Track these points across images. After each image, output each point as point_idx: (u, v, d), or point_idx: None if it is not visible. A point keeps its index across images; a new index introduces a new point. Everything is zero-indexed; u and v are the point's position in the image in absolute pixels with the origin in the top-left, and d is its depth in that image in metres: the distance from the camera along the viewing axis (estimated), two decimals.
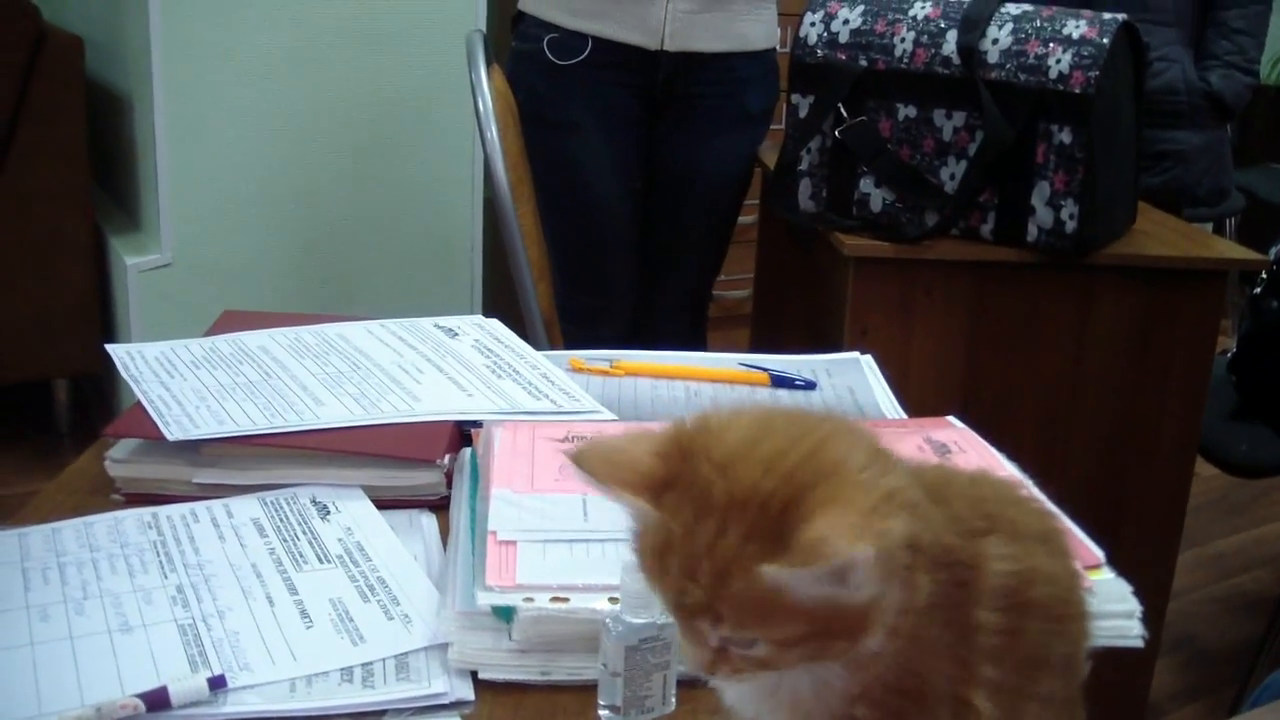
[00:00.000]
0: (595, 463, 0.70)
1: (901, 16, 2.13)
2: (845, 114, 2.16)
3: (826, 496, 0.65)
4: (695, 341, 2.75)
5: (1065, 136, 2.02)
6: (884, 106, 2.14)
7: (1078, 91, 1.99)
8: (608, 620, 0.88)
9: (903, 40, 2.12)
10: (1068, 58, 2.00)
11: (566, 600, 0.92)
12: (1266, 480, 2.94)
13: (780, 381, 1.46)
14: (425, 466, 1.16)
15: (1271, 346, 2.39)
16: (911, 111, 2.13)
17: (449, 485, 1.17)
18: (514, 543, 0.98)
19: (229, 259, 3.28)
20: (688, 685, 0.91)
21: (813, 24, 2.19)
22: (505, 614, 0.92)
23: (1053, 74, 2.01)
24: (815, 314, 2.54)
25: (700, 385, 1.45)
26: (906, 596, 0.68)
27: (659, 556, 0.68)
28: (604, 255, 2.55)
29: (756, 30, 2.51)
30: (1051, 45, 2.02)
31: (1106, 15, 2.04)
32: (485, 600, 0.92)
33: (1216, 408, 2.44)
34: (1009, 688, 0.74)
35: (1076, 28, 2.03)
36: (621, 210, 2.53)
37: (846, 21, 2.16)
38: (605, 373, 1.47)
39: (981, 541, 0.74)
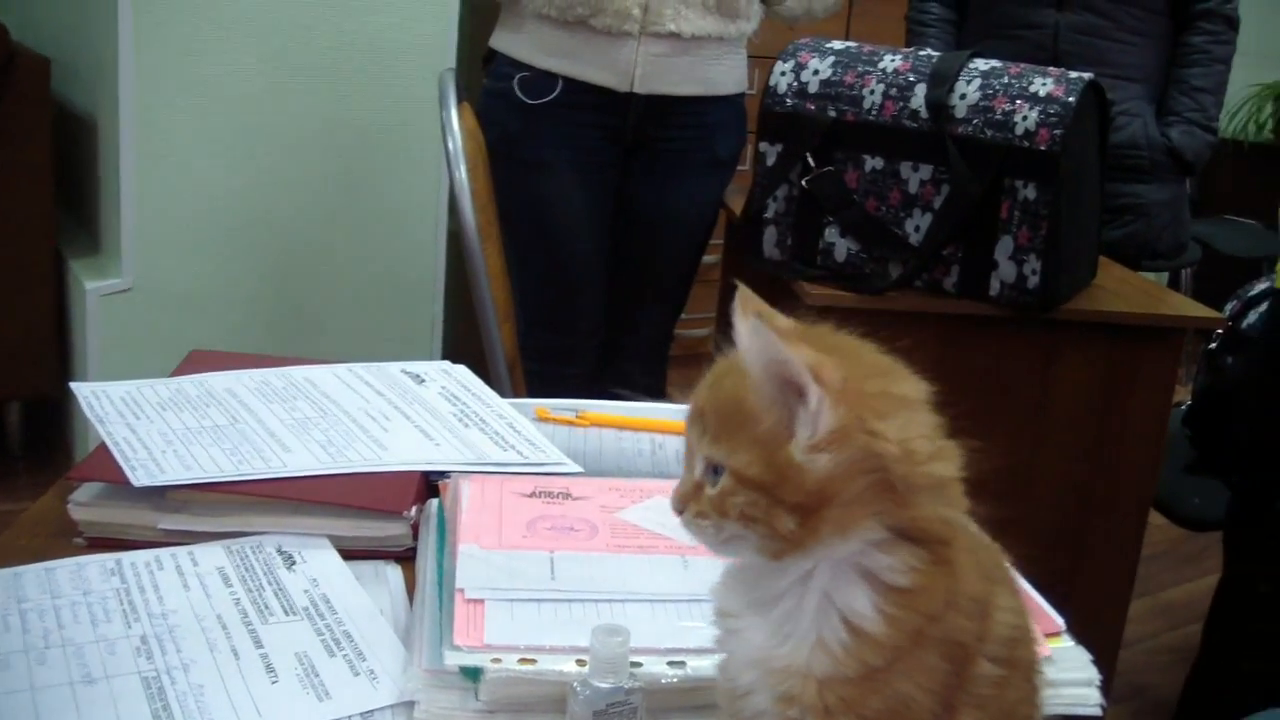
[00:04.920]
0: (757, 303, 0.73)
1: (871, 69, 2.15)
2: (813, 164, 2.18)
3: (845, 368, 0.69)
4: (656, 381, 2.76)
5: (1030, 193, 2.04)
6: (851, 157, 2.16)
7: (1044, 149, 2.02)
8: (575, 684, 0.88)
9: (872, 92, 2.14)
10: (1034, 115, 2.03)
11: (534, 662, 0.92)
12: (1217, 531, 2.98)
13: None
14: (392, 518, 1.16)
15: (1226, 403, 2.42)
16: (879, 163, 2.15)
17: (415, 537, 1.17)
18: (482, 601, 0.98)
19: (190, 285, 3.26)
20: None
21: (783, 73, 2.20)
22: (473, 674, 0.92)
23: (1019, 131, 2.03)
24: None
25: (665, 438, 1.46)
26: (905, 576, 0.70)
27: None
28: (571, 294, 2.56)
29: (727, 75, 2.52)
30: (1019, 102, 2.05)
31: (1073, 73, 2.07)
32: (453, 660, 0.92)
33: (1170, 461, 2.47)
34: None
35: (1044, 85, 2.05)
36: (590, 250, 2.54)
37: (817, 72, 2.18)
38: (571, 423, 1.47)
39: (994, 589, 0.75)
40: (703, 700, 0.94)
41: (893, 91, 2.13)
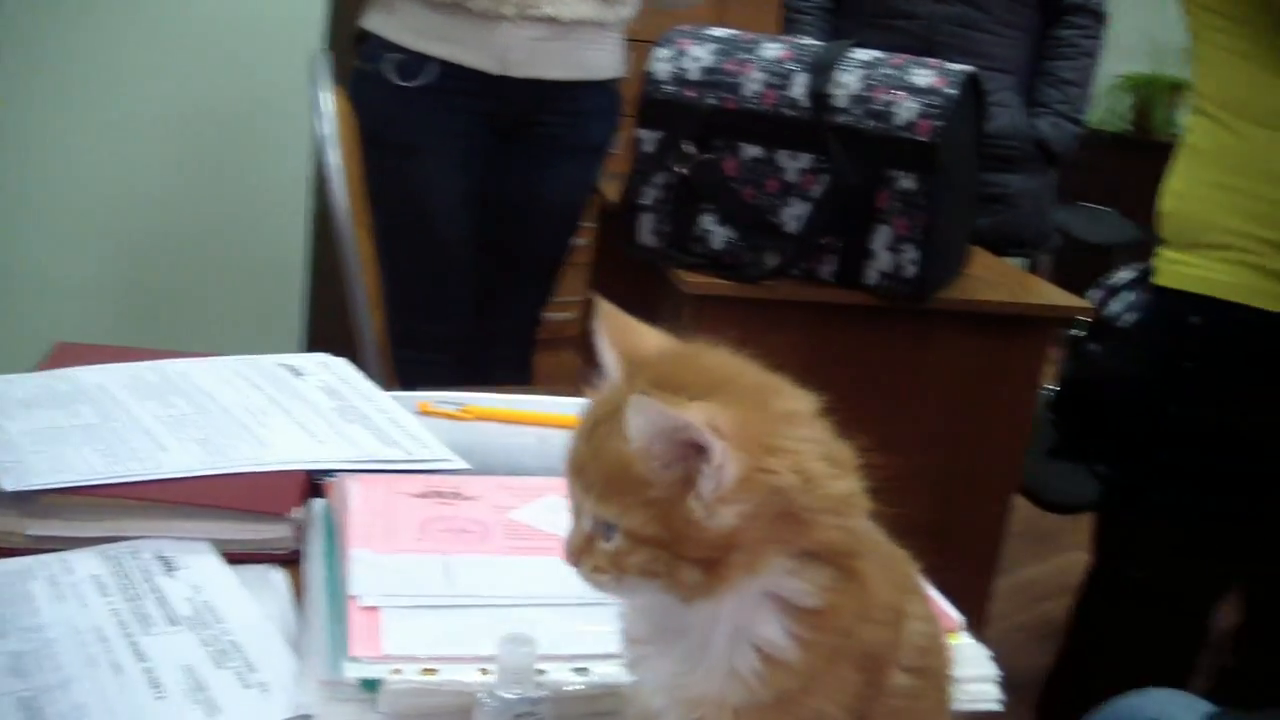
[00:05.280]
0: (613, 321, 0.74)
1: (752, 57, 2.15)
2: (691, 151, 2.16)
3: (733, 405, 0.66)
4: (525, 367, 2.73)
5: (909, 183, 2.06)
6: (730, 145, 2.15)
7: (923, 140, 2.03)
8: (481, 695, 0.86)
9: (752, 80, 2.13)
10: (915, 106, 2.04)
11: (436, 672, 0.90)
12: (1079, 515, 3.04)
13: None
14: (276, 520, 1.12)
15: (1090, 389, 2.46)
16: (758, 151, 2.14)
17: (299, 539, 1.13)
18: (377, 609, 0.95)
19: (49, 273, 3.14)
20: None
21: (663, 60, 2.19)
22: (371, 685, 0.89)
23: (899, 121, 2.05)
24: None
25: (550, 432, 1.43)
26: (815, 598, 0.68)
27: (586, 418, 0.71)
28: (443, 282, 2.52)
29: (603, 60, 2.50)
30: (899, 93, 2.05)
31: (953, 65, 2.09)
32: (352, 672, 0.88)
33: (1034, 445, 2.52)
34: None
35: (924, 77, 2.06)
36: (461, 236, 2.50)
37: (697, 59, 2.16)
38: (454, 417, 1.44)
39: (905, 598, 0.75)
40: (607, 707, 0.92)
41: (773, 80, 2.12)
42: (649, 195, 2.22)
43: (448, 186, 2.45)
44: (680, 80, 2.17)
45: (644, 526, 0.67)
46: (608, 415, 0.69)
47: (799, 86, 2.10)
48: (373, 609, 0.95)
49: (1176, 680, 1.40)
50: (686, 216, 2.20)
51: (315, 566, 1.06)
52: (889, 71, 2.09)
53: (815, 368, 2.49)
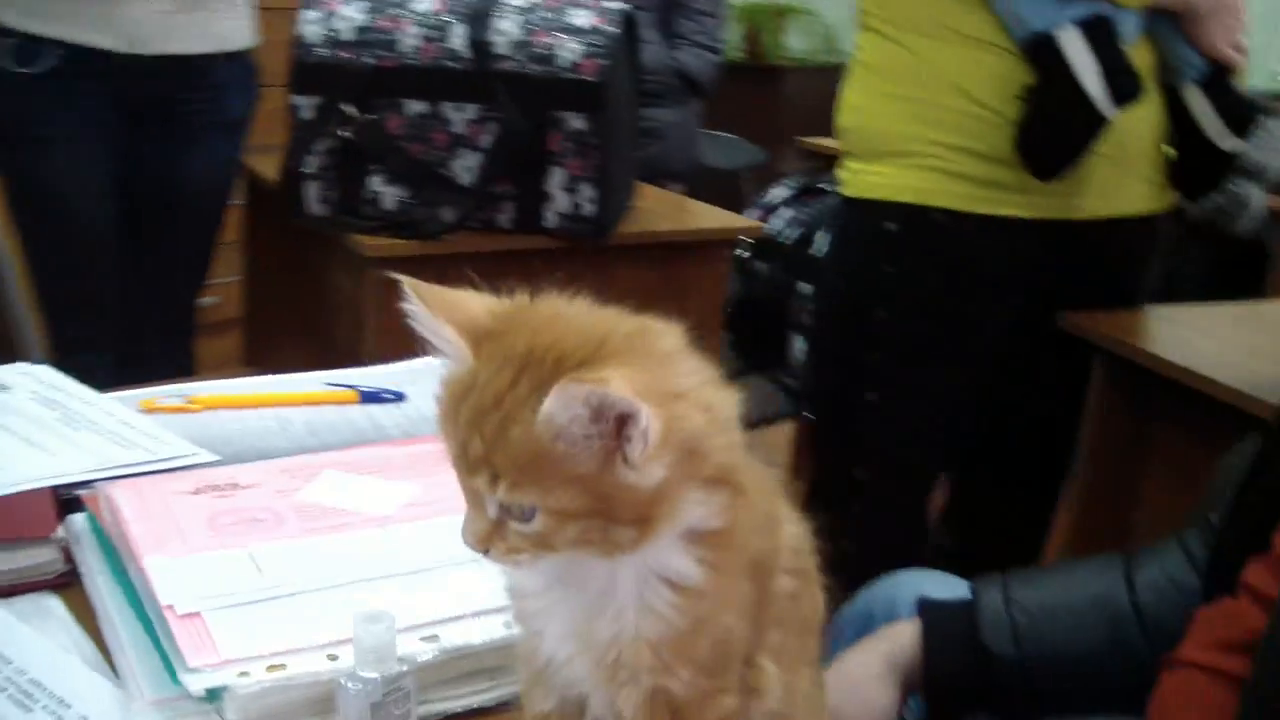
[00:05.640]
0: (432, 297, 0.68)
1: (405, 12, 2.10)
2: (352, 113, 2.10)
3: (625, 361, 0.64)
4: (186, 357, 2.60)
5: (579, 123, 2.06)
6: (392, 104, 2.10)
7: (589, 80, 2.04)
8: (344, 680, 0.81)
9: (409, 35, 2.08)
10: (577, 47, 2.05)
11: (284, 667, 0.84)
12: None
13: (369, 397, 1.41)
14: (39, 544, 1.02)
15: (761, 305, 2.56)
16: (422, 107, 2.10)
17: (67, 560, 1.03)
18: (198, 613, 0.89)
19: None
20: None
21: (312, 22, 2.10)
22: (213, 694, 0.83)
23: (563, 63, 2.05)
24: (325, 320, 2.46)
25: (288, 411, 1.37)
26: (718, 520, 0.68)
27: (456, 404, 0.66)
28: (90, 280, 2.35)
29: (235, 30, 2.38)
30: (560, 35, 2.06)
31: (609, 4, 2.11)
32: (196, 684, 0.82)
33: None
34: (790, 651, 0.76)
35: (583, 17, 2.08)
36: (104, 229, 2.33)
37: (348, 18, 2.09)
38: (182, 409, 1.35)
39: (776, 503, 0.75)
40: (457, 671, 0.89)
41: (430, 33, 2.08)
42: (312, 163, 2.14)
43: (84, 177, 2.28)
44: (333, 42, 2.09)
45: (572, 502, 0.64)
46: (490, 402, 0.64)
47: (458, 38, 2.07)
48: (194, 615, 0.88)
49: (913, 564, 1.48)
50: (354, 180, 2.14)
51: (101, 584, 0.97)
52: (546, 15, 2.09)
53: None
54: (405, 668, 0.83)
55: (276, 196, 2.31)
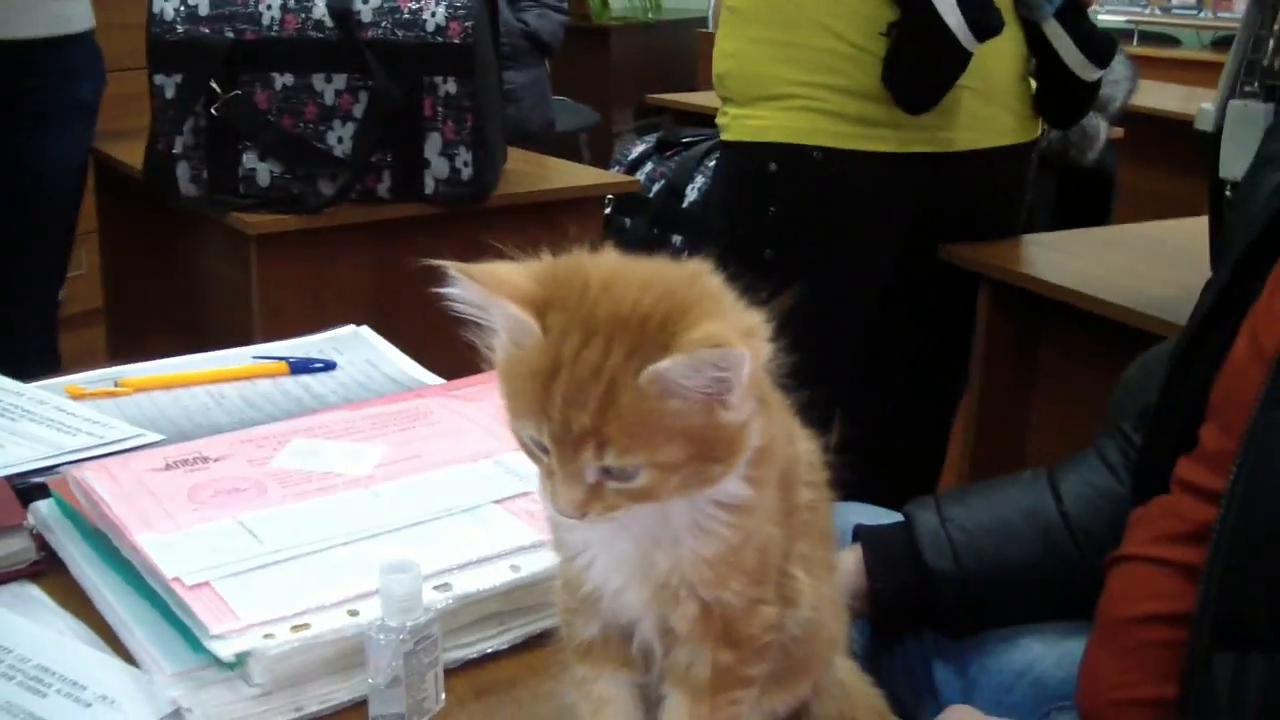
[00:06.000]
0: (484, 276, 0.67)
1: None
2: (218, 90, 2.06)
3: (706, 311, 0.66)
4: (51, 352, 2.52)
5: (451, 87, 2.06)
6: (259, 78, 2.07)
7: (458, 42, 2.04)
8: (373, 633, 0.82)
9: (269, 8, 2.05)
10: (442, 10, 2.04)
11: (308, 626, 0.85)
12: None
13: (299, 367, 1.40)
14: (11, 533, 1.00)
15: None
16: (289, 80, 2.07)
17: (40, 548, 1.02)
18: (207, 583, 0.88)
19: None
20: (452, 674, 0.88)
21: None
22: (236, 662, 0.83)
23: (430, 27, 2.04)
24: (199, 304, 2.42)
25: (221, 387, 1.35)
26: (763, 436, 0.70)
27: (543, 380, 0.66)
28: None
29: (76, 11, 2.32)
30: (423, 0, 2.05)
31: None
32: (225, 650, 0.82)
33: None
34: (816, 560, 0.79)
35: None
36: None
37: None
38: (113, 393, 1.33)
39: (791, 418, 0.78)
40: (468, 618, 0.91)
41: (291, 4, 2.05)
42: (180, 143, 2.10)
43: None
44: (191, 18, 2.05)
45: (677, 453, 0.66)
46: (589, 374, 0.65)
47: (320, 8, 2.05)
48: (203, 584, 0.88)
49: None
50: (226, 158, 2.10)
51: (87, 568, 0.96)
52: None
53: (389, 286, 2.49)
54: (433, 613, 0.84)
55: (135, 181, 2.26)
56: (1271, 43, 1.62)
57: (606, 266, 0.69)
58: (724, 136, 1.93)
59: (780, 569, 0.76)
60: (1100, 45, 1.91)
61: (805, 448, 0.81)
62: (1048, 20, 1.90)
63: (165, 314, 2.52)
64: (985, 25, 1.77)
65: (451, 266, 0.68)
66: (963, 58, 1.78)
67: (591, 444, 0.65)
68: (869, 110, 1.82)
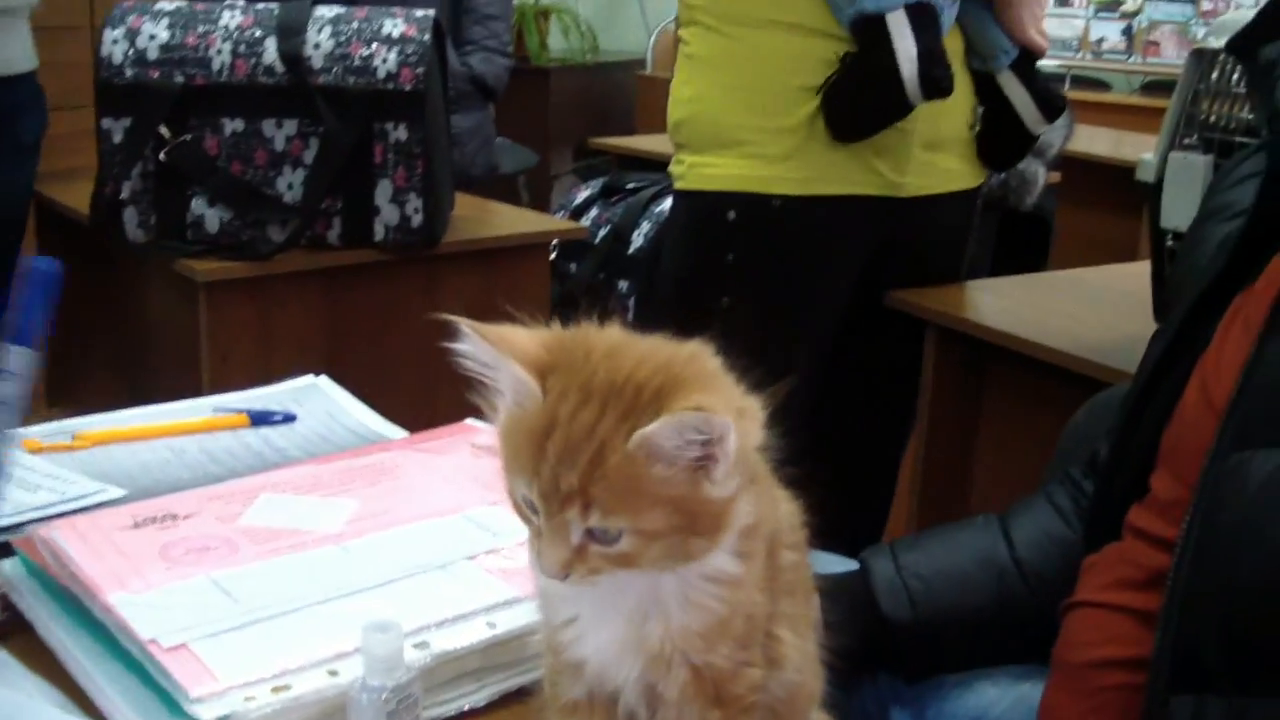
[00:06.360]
0: (494, 336, 0.70)
1: (213, 28, 2.06)
2: (167, 134, 2.06)
3: (701, 386, 0.69)
4: None
5: (402, 134, 2.07)
6: (208, 123, 2.07)
7: (409, 89, 2.05)
8: (355, 692, 0.83)
9: (219, 52, 2.05)
10: (393, 57, 2.05)
11: (288, 687, 0.85)
12: None
13: (260, 419, 1.40)
14: None
15: (578, 304, 2.60)
16: (239, 125, 2.07)
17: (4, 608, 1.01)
18: (184, 645, 0.88)
19: None
20: None
21: (115, 41, 2.05)
22: None
23: (381, 74, 2.05)
24: (143, 350, 2.40)
25: (181, 441, 1.35)
26: (752, 514, 0.73)
27: (538, 439, 0.68)
28: None
29: (18, 52, 2.31)
30: (375, 45, 2.06)
31: (418, 11, 2.12)
32: (206, 713, 0.82)
33: None
34: (799, 618, 0.81)
35: (395, 26, 2.08)
36: None
37: (153, 37, 2.05)
38: (70, 448, 1.32)
39: (774, 484, 0.80)
40: (444, 676, 0.91)
41: (241, 49, 2.06)
42: (127, 188, 2.09)
43: None
44: (140, 62, 2.05)
45: (660, 521, 0.68)
46: (581, 435, 0.67)
47: (271, 53, 2.05)
48: (180, 646, 0.88)
49: None
50: (174, 204, 2.10)
51: (58, 629, 0.96)
52: (358, 25, 2.08)
53: (339, 333, 2.48)
54: (413, 673, 0.85)
55: (77, 224, 2.25)
56: (1209, 96, 1.67)
57: (610, 339, 0.72)
58: (680, 185, 1.94)
59: (766, 630, 0.78)
60: (1052, 100, 1.95)
61: (786, 509, 0.82)
62: (1003, 72, 1.94)
63: (108, 361, 2.51)
64: (935, 86, 1.80)
65: (463, 323, 0.71)
66: (905, 108, 1.81)
67: (578, 503, 0.68)
68: (820, 156, 1.85)
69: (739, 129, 1.86)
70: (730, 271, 1.88)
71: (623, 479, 0.67)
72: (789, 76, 1.83)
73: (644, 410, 0.67)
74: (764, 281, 1.88)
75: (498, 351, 0.70)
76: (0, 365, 0.81)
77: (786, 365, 1.91)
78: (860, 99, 1.81)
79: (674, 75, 1.96)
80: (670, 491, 0.67)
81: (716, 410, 0.66)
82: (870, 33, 1.77)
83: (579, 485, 0.67)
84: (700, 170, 1.90)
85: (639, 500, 0.67)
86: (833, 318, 1.95)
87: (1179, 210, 1.64)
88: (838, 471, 2.10)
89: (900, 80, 1.77)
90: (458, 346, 0.71)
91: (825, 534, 1.46)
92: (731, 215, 1.87)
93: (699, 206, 1.92)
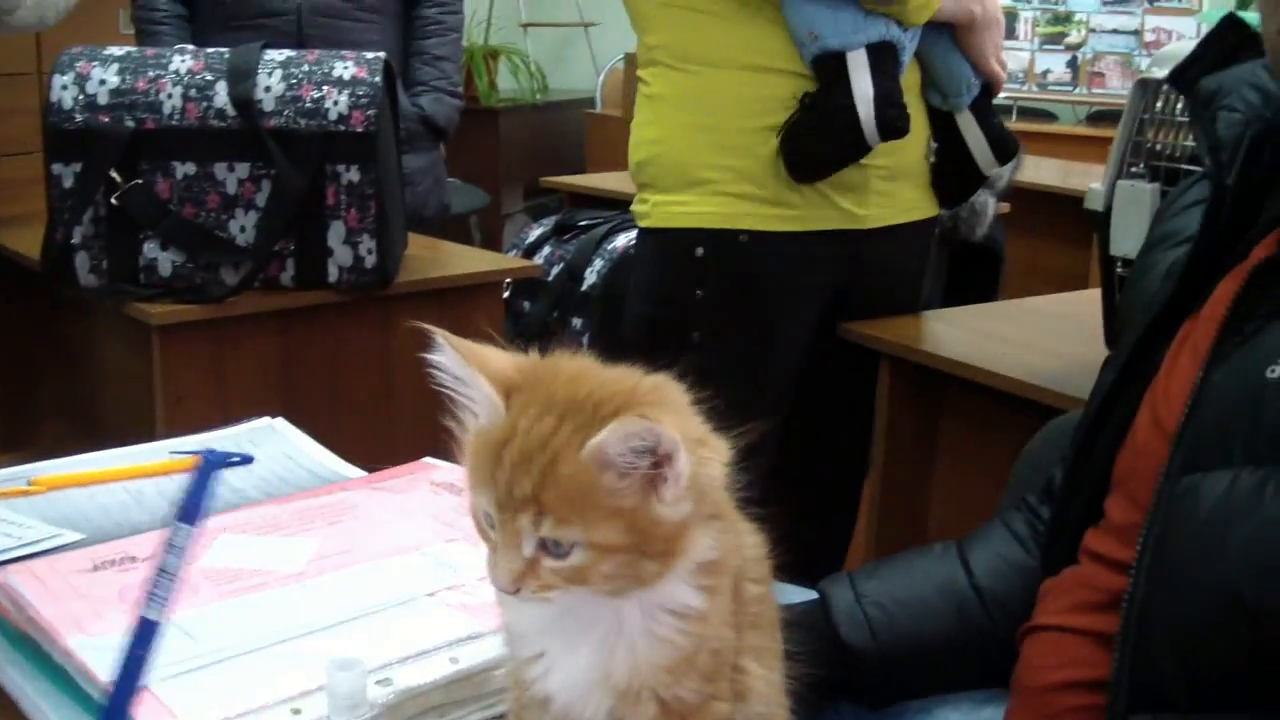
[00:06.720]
0: (465, 350, 0.72)
1: (163, 72, 2.06)
2: (118, 179, 2.05)
3: (659, 408, 0.70)
4: None
5: (354, 175, 2.07)
6: (160, 166, 2.06)
7: (360, 131, 2.06)
8: None
9: (170, 96, 2.05)
10: (344, 99, 2.06)
11: None
12: None
13: (217, 462, 1.39)
14: None
15: (532, 342, 2.60)
16: (191, 169, 2.07)
17: None
18: (146, 687, 0.87)
19: None
20: None
21: (65, 87, 2.05)
22: None
23: (333, 116, 2.05)
24: (97, 393, 2.39)
25: (139, 484, 1.34)
26: (716, 550, 0.74)
27: (496, 449, 0.70)
28: None
29: None
30: (326, 88, 2.06)
31: (369, 54, 2.12)
32: None
33: None
34: (765, 650, 0.82)
35: (346, 69, 2.08)
36: None
37: (103, 82, 2.05)
38: (26, 492, 1.31)
39: (740, 518, 0.81)
40: (407, 714, 0.91)
41: (192, 93, 2.05)
42: (79, 233, 2.08)
43: None
44: (90, 106, 2.04)
45: (611, 536, 0.68)
46: (536, 445, 0.68)
47: (222, 96, 2.05)
48: (142, 689, 0.87)
49: None
50: (126, 248, 2.09)
51: (15, 673, 0.95)
52: (308, 68, 2.09)
53: (294, 374, 2.47)
54: (377, 711, 0.85)
55: (26, 270, 2.24)
56: (1155, 125, 1.70)
57: (579, 365, 0.73)
58: (646, 224, 1.95)
59: (733, 664, 0.78)
60: (1006, 143, 1.99)
61: (751, 542, 0.83)
62: (962, 111, 1.97)
63: (61, 405, 2.48)
64: (892, 127, 1.84)
65: (438, 333, 0.73)
66: (862, 149, 1.84)
67: (531, 511, 0.69)
68: (785, 192, 1.87)
69: (704, 168, 1.88)
70: (699, 306, 1.90)
71: (575, 487, 0.68)
72: (753, 115, 1.86)
73: (600, 424, 0.68)
74: (733, 316, 1.90)
75: (468, 363, 0.71)
76: (171, 540, 0.88)
77: (756, 397, 1.93)
78: (818, 139, 1.83)
79: (635, 115, 1.98)
80: (621, 503, 0.68)
81: (664, 424, 0.67)
82: (831, 70, 1.80)
83: (532, 492, 0.68)
84: (666, 208, 1.91)
85: (591, 511, 0.68)
86: (799, 349, 1.97)
87: (1128, 238, 1.66)
88: (800, 503, 2.12)
89: (858, 121, 1.80)
90: (431, 358, 0.73)
91: (789, 566, 1.47)
92: (700, 251, 1.89)
93: (666, 244, 1.93)
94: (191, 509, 0.90)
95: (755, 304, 1.90)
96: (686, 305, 1.91)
